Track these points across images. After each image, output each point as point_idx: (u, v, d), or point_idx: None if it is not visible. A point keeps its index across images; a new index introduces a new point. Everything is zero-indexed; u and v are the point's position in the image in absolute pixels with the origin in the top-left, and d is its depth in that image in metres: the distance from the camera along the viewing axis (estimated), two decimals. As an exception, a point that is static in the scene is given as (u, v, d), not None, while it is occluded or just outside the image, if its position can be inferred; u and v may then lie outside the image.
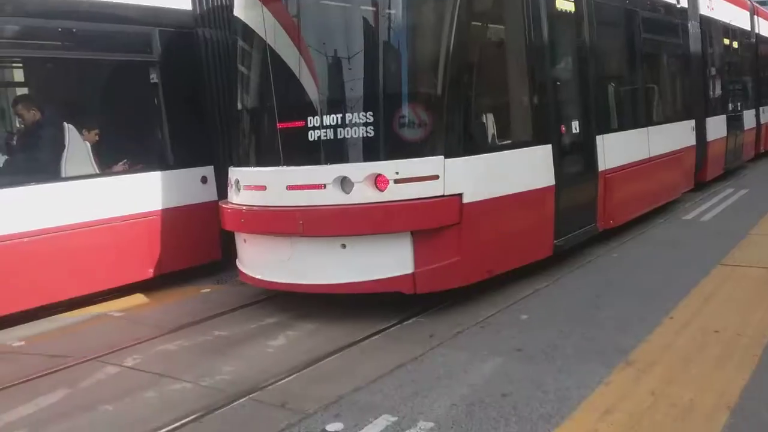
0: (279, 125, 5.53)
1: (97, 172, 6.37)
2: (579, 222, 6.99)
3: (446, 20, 5.34)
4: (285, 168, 5.51)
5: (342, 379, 4.21)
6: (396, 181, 5.13)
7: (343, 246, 5.28)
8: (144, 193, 6.52)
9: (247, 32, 6.04)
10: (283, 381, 4.27)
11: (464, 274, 5.45)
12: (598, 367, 4.03)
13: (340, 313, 5.55)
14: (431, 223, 5.24)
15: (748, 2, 15.98)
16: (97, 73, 6.68)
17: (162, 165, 6.78)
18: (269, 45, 5.64)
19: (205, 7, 7.22)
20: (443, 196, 5.21)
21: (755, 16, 16.17)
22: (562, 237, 6.56)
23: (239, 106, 6.26)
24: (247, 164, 6.06)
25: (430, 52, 5.54)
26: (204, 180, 7.15)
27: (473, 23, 5.69)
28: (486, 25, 6.07)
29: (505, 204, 5.75)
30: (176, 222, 6.67)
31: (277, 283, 5.66)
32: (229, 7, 7.11)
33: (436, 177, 5.20)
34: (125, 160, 6.66)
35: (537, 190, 6.20)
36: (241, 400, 4.00)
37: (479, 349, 4.48)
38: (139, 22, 6.56)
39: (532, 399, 3.65)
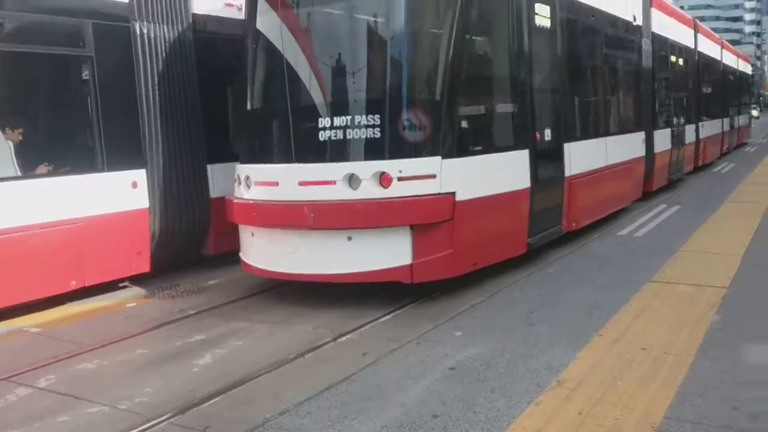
0: (292, 126, 6.08)
1: (19, 174, 6.01)
2: (547, 223, 7.61)
3: (445, 35, 6.05)
4: (297, 165, 6.03)
5: (269, 401, 4.07)
6: (399, 179, 5.69)
7: (349, 238, 5.80)
8: (68, 198, 6.18)
9: (263, 41, 6.57)
10: (207, 404, 4.10)
11: (454, 265, 6.03)
12: (530, 386, 4.02)
13: (269, 331, 5.41)
14: (429, 218, 5.80)
15: (692, 19, 17.09)
16: (22, 67, 6.28)
17: (89, 167, 6.47)
18: (284, 53, 6.22)
19: (143, 1, 6.98)
20: (439, 193, 5.80)
21: (698, 34, 17.05)
22: (534, 236, 7.21)
23: (249, 107, 6.71)
24: (258, 161, 6.48)
25: (431, 63, 6.18)
26: (134, 185, 6.87)
27: (467, 39, 6.29)
28: (477, 42, 6.66)
29: (489, 203, 6.36)
30: (102, 230, 6.36)
31: (284, 273, 6.12)
32: (169, 1, 6.98)
33: (434, 176, 5.79)
34: (49, 162, 6.28)
35: (515, 191, 6.86)
36: (161, 425, 3.81)
37: (413, 368, 4.41)
38: (69, 13, 6.28)
39: (462, 420, 3.60)
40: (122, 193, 6.71)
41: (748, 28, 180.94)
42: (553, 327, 5.16)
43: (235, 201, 6.52)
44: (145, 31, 6.99)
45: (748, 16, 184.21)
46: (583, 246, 8.28)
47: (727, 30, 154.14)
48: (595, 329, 5.03)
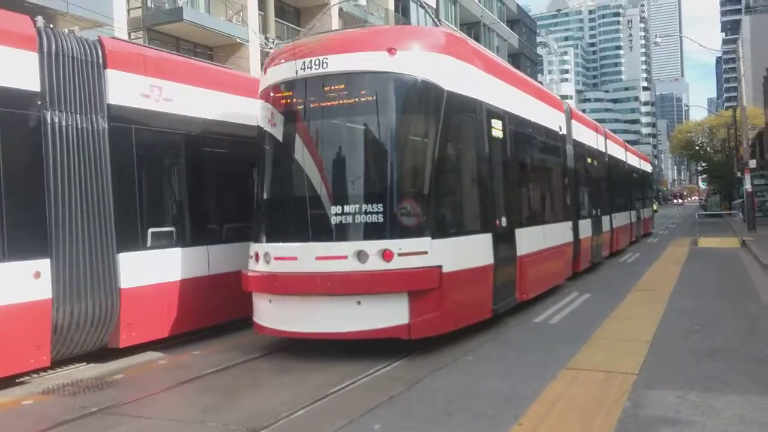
0: (309, 212, 7.41)
1: None
2: (506, 294, 9.06)
3: (429, 145, 7.65)
4: (314, 243, 7.30)
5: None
6: (399, 255, 7.04)
7: (359, 303, 7.06)
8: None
9: (280, 145, 8.08)
10: None
11: (441, 325, 7.42)
12: (449, 480, 3.92)
13: (177, 429, 5.08)
14: (422, 285, 7.15)
15: (601, 127, 19.13)
16: None
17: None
18: (302, 156, 7.72)
19: (54, 89, 6.88)
20: (430, 266, 7.17)
21: (606, 139, 19.42)
22: (497, 303, 8.65)
23: (266, 197, 8.08)
24: (277, 241, 7.67)
25: (420, 165, 7.67)
26: (37, 275, 6.49)
27: (445, 148, 7.89)
28: (453, 149, 8.23)
29: (466, 275, 7.80)
30: (-2, 322, 5.93)
31: (301, 333, 7.35)
32: (83, 90, 6.96)
33: (426, 252, 7.18)
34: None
35: (484, 266, 8.33)
36: None
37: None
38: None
39: None
40: (23, 283, 6.35)
41: (644, 130, 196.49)
42: (473, 417, 5.13)
43: (251, 274, 7.74)
44: (56, 119, 6.86)
45: (644, 119, 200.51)
46: (501, 334, 8.39)
47: (626, 131, 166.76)
48: (515, 418, 5.03)
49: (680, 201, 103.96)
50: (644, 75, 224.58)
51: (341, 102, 7.73)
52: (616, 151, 21.27)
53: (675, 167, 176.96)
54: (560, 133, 13.34)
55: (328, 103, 7.72)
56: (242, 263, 8.18)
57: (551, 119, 12.73)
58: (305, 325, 7.26)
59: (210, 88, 9.27)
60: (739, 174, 35.09)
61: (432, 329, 7.28)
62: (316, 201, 7.49)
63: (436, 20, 22.57)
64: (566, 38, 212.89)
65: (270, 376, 6.76)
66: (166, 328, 8.06)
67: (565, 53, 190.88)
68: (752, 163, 30.08)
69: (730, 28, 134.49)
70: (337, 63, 7.51)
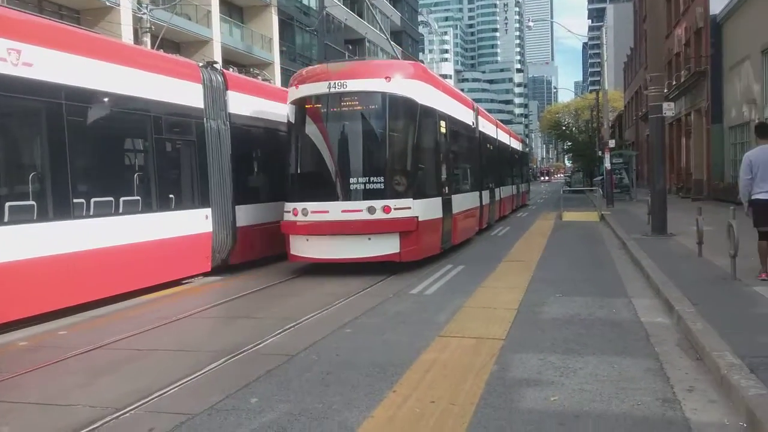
0: (337, 181, 11.45)
1: None
2: (447, 238, 13.34)
3: (410, 138, 11.74)
4: (340, 202, 11.29)
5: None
6: (394, 209, 11.05)
7: (369, 239, 11.09)
8: None
9: (309, 138, 11.82)
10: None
11: (417, 254, 11.55)
12: (324, 448, 3.97)
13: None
14: (407, 228, 11.18)
15: (495, 120, 24.01)
16: None
17: None
18: (330, 144, 11.65)
19: None
20: (412, 216, 11.22)
21: (498, 129, 23.84)
22: (443, 244, 13.04)
23: (300, 171, 12.06)
24: (312, 200, 11.41)
25: (405, 152, 11.73)
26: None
27: (420, 139, 11.95)
28: (423, 140, 12.20)
29: (429, 223, 12.03)
30: None
31: (330, 259, 11.30)
32: None
33: (410, 208, 11.26)
34: None
35: (437, 218, 12.60)
36: None
37: (202, 441, 4.16)
38: None
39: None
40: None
41: (517, 110, 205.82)
42: (349, 387, 5.20)
43: (297, 222, 11.48)
44: None
45: (517, 100, 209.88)
46: (378, 306, 8.55)
47: (500, 111, 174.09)
48: (390, 386, 5.16)
49: (547, 178, 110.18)
50: (518, 58, 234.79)
51: (355, 109, 11.61)
52: (505, 138, 26.58)
53: (544, 146, 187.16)
54: (472, 126, 17.96)
55: (347, 110, 11.60)
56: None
57: (468, 117, 17.28)
58: (334, 254, 11.29)
59: (80, 54, 8.71)
60: (600, 153, 37.71)
61: (412, 256, 11.42)
62: (341, 174, 11.50)
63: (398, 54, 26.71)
64: (446, 18, 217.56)
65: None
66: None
67: (445, 33, 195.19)
68: (612, 143, 32.43)
69: (596, 15, 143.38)
70: (353, 85, 11.47)
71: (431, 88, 12.81)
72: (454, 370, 5.53)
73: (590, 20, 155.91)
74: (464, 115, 16.68)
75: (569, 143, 69.68)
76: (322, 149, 11.68)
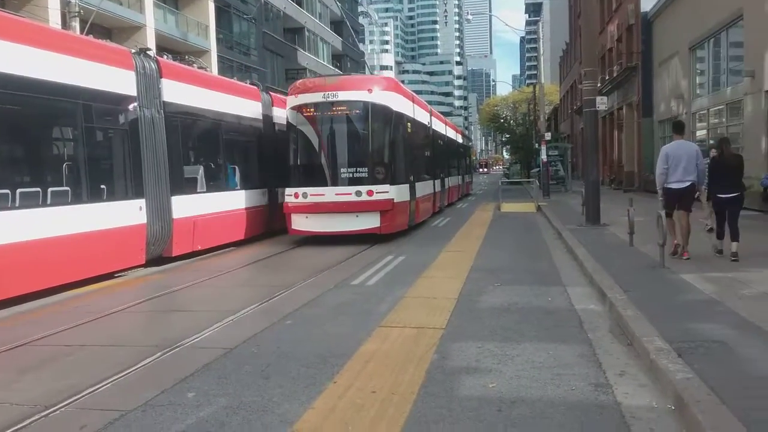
0: (331, 171, 14.39)
1: None
2: (413, 218, 16.54)
3: (388, 136, 14.76)
4: (334, 187, 14.20)
5: None
6: (376, 193, 13.96)
7: (357, 216, 14.08)
8: None
9: (305, 135, 14.66)
10: None
11: (392, 228, 14.50)
12: (264, 442, 3.91)
13: None
14: (385, 208, 14.14)
15: (445, 119, 27.79)
16: None
17: None
18: (323, 141, 14.74)
19: None
20: (389, 199, 14.15)
21: (447, 126, 27.81)
22: (410, 222, 16.25)
23: (300, 163, 14.89)
24: (311, 186, 14.29)
25: (384, 148, 14.64)
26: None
27: (395, 136, 14.98)
28: (396, 140, 15.13)
29: (401, 205, 15.04)
30: None
31: (325, 231, 14.20)
32: None
33: (388, 192, 14.20)
34: None
35: (406, 201, 15.83)
36: None
37: (136, 439, 4.03)
38: None
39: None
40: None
41: (457, 102, 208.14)
42: (289, 379, 5.14)
43: (294, 204, 14.40)
44: None
45: (457, 92, 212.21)
46: (319, 297, 8.50)
47: (441, 103, 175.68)
48: (330, 377, 5.14)
49: (486, 170, 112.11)
50: (457, 50, 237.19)
51: (345, 114, 14.55)
52: (452, 134, 30.30)
53: (483, 138, 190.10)
54: (429, 126, 21.41)
55: (338, 115, 14.53)
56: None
57: (425, 118, 20.83)
58: (329, 228, 14.29)
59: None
60: (536, 145, 38.55)
61: (389, 230, 14.50)
62: (333, 165, 14.57)
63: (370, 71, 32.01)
64: (386, 9, 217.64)
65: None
66: None
67: (386, 24, 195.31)
68: (548, 136, 33.20)
69: (533, 10, 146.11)
70: (343, 95, 14.47)
71: (401, 97, 16.18)
72: (395, 360, 5.55)
73: (527, 14, 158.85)
74: (423, 117, 20.29)
75: (507, 136, 70.92)
76: (317, 146, 14.82)
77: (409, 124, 16.69)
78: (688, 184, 9.43)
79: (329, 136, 14.78)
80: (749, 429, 3.50)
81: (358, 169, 14.33)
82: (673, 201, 9.56)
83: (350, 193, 14.05)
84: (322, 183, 14.31)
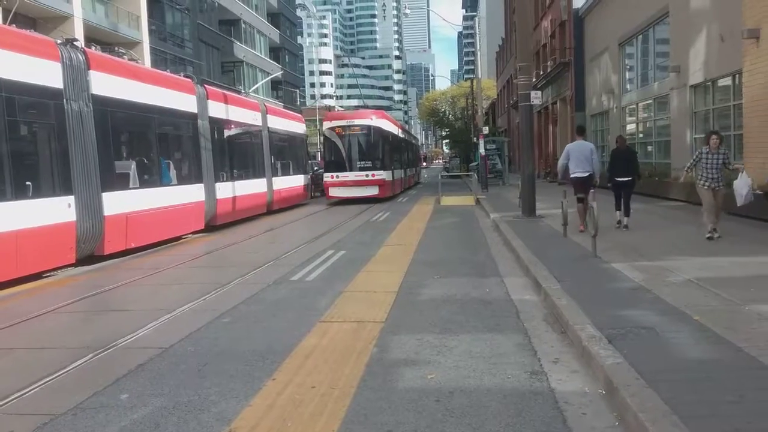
0: (349, 165, 26.41)
1: None
2: (395, 191, 30.14)
3: (385, 145, 27.43)
4: (352, 172, 26.38)
5: None
6: (376, 175, 26.44)
7: (366, 188, 26.31)
8: None
9: (335, 143, 26.64)
10: None
11: (385, 195, 26.89)
12: (200, 441, 3.84)
13: None
14: (381, 183, 26.55)
15: (406, 127, 44.82)
16: None
17: None
18: (347, 146, 26.69)
19: None
20: (384, 178, 26.77)
21: (409, 131, 43.33)
22: (393, 192, 29.31)
23: (333, 159, 26.64)
24: (339, 171, 26.27)
25: (382, 151, 26.92)
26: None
27: (387, 146, 27.76)
28: (387, 144, 28.03)
29: (389, 182, 27.61)
30: None
31: (350, 197, 26.08)
32: None
33: (382, 175, 26.69)
34: None
35: (390, 180, 28.12)
36: None
37: (66, 444, 3.89)
38: None
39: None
40: None
41: (397, 97, 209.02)
42: (227, 377, 5.06)
43: (332, 181, 26.23)
44: None
45: (396, 87, 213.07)
46: (258, 294, 8.40)
47: (381, 97, 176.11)
48: (269, 374, 5.08)
49: (425, 164, 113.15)
50: (396, 45, 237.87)
51: (357, 131, 26.22)
52: (407, 136, 40.12)
53: (423, 132, 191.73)
54: (399, 135, 32.52)
55: (354, 132, 26.20)
56: None
57: (398, 131, 32.02)
58: (351, 194, 25.81)
59: None
60: (475, 139, 39.15)
61: (383, 195, 26.20)
62: (354, 161, 26.09)
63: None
64: (324, 2, 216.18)
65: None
66: None
67: (324, 17, 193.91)
68: (485, 130, 33.77)
69: (470, 5, 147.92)
70: (357, 121, 26.49)
71: (388, 122, 28.64)
72: (335, 355, 5.54)
73: (464, 9, 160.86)
74: (397, 131, 32.30)
75: (447, 130, 71.78)
76: (343, 150, 26.11)
77: (392, 136, 28.80)
78: (588, 174, 12.20)
79: (349, 144, 26.21)
80: (675, 410, 3.66)
81: (366, 162, 25.93)
82: (578, 186, 12.28)
83: (362, 175, 25.71)
84: (346, 170, 25.86)
